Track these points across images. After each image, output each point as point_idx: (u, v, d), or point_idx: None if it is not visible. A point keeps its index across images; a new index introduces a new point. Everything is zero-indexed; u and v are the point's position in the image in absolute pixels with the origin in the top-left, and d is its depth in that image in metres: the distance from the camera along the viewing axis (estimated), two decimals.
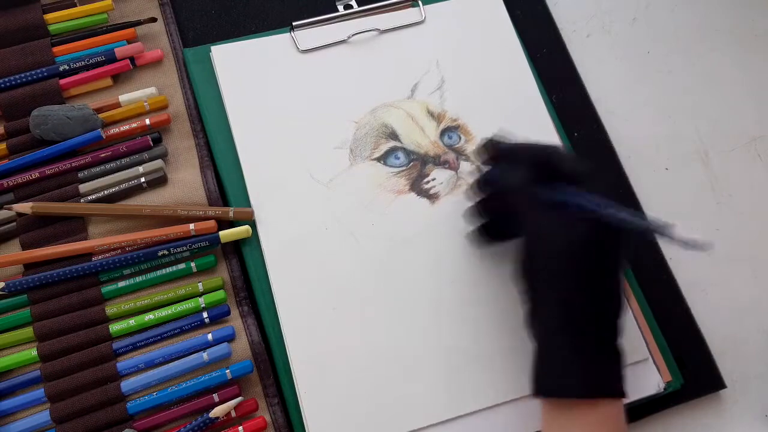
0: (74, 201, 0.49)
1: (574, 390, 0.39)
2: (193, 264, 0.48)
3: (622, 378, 0.40)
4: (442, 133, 0.53)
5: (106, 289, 0.47)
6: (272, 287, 0.48)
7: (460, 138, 0.53)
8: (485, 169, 0.47)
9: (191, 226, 0.48)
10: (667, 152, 0.57)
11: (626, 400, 0.40)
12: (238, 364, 0.46)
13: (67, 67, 0.51)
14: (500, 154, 0.45)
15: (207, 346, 0.46)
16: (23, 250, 0.48)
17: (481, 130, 0.53)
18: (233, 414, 0.45)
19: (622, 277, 0.42)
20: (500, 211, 0.47)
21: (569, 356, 0.39)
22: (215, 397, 0.45)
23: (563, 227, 0.41)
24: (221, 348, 0.46)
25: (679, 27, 0.61)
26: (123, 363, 0.45)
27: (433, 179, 0.51)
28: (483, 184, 0.47)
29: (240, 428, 0.45)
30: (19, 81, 0.51)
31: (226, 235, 0.48)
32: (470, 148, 0.53)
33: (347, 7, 0.57)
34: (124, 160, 0.50)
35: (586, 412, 0.39)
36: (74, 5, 0.54)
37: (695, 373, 0.50)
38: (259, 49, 0.54)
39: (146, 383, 0.45)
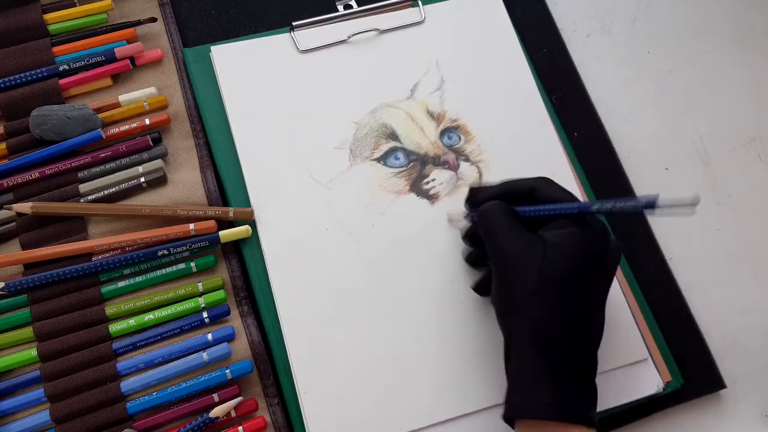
0: (74, 201, 0.49)
1: (544, 411, 0.38)
2: (193, 264, 0.48)
3: (593, 409, 0.40)
4: (442, 133, 0.53)
5: (106, 289, 0.47)
6: (272, 287, 0.48)
7: (459, 138, 0.53)
8: (471, 216, 0.46)
9: (191, 226, 0.48)
10: (667, 152, 0.57)
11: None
12: (238, 364, 0.46)
13: (67, 67, 0.51)
14: (482, 197, 0.45)
15: (207, 346, 0.46)
16: (23, 250, 0.48)
17: (481, 130, 0.53)
18: (233, 414, 0.45)
19: (602, 304, 0.41)
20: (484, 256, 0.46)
21: (542, 379, 0.38)
22: (215, 397, 0.45)
23: (536, 248, 0.40)
24: (221, 348, 0.46)
25: (679, 27, 0.61)
26: (123, 363, 0.45)
27: (433, 180, 0.51)
28: (469, 233, 0.47)
29: (240, 428, 0.45)
30: (19, 81, 0.51)
31: (226, 235, 0.48)
32: (470, 148, 0.53)
33: (347, 7, 0.57)
34: (124, 160, 0.50)
35: None
36: (74, 5, 0.54)
37: (695, 373, 0.50)
38: (259, 49, 0.54)
39: (146, 383, 0.45)
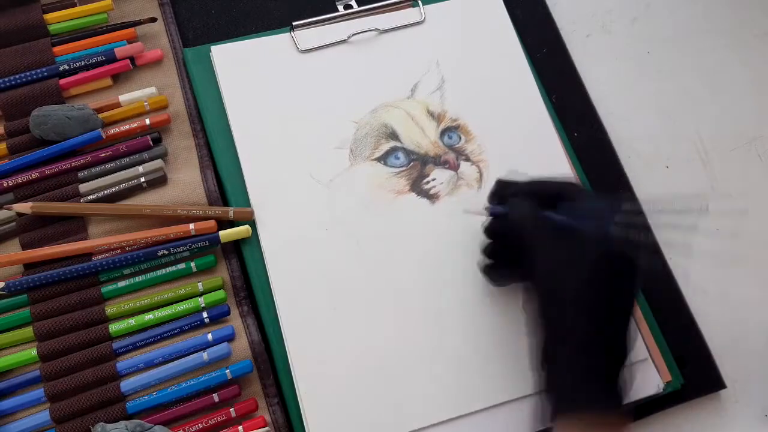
0: (74, 201, 0.49)
1: (596, 404, 0.39)
2: (192, 264, 0.48)
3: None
4: (442, 133, 0.53)
5: (106, 289, 0.47)
6: (272, 287, 0.48)
7: (460, 138, 0.53)
8: (494, 210, 0.45)
9: (191, 225, 0.48)
10: (667, 152, 0.57)
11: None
12: (237, 364, 0.46)
13: (67, 67, 0.51)
14: (509, 193, 0.44)
15: (207, 345, 0.46)
16: (23, 250, 0.48)
17: (481, 130, 0.53)
18: (233, 414, 0.45)
19: (629, 317, 0.42)
20: (510, 251, 0.45)
21: (591, 379, 0.39)
22: (215, 397, 0.45)
23: (579, 253, 0.40)
24: (221, 348, 0.46)
25: (679, 27, 0.61)
26: (123, 363, 0.45)
27: (433, 179, 0.51)
28: (491, 227, 0.45)
29: (240, 428, 0.45)
30: (19, 81, 0.51)
31: (226, 235, 0.48)
32: (470, 148, 0.53)
33: (347, 7, 0.57)
34: (124, 160, 0.50)
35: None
36: (74, 5, 0.54)
37: (695, 373, 0.50)
38: (259, 49, 0.54)
39: (146, 383, 0.45)
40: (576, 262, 0.40)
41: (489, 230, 0.46)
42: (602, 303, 0.40)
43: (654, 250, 0.43)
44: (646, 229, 0.39)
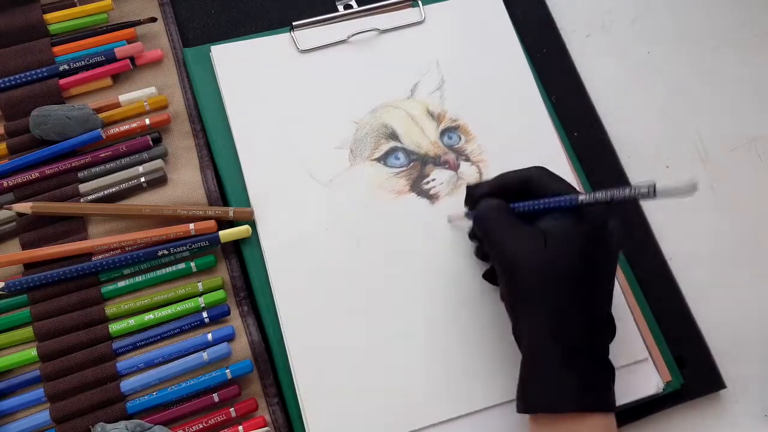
0: (74, 201, 0.49)
1: (561, 405, 0.39)
2: (192, 264, 0.48)
3: (612, 391, 0.40)
4: (442, 133, 0.53)
5: (106, 288, 0.47)
6: (272, 287, 0.48)
7: (460, 138, 0.53)
8: (469, 214, 0.47)
9: (191, 225, 0.48)
10: (667, 152, 0.57)
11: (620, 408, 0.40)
12: (237, 364, 0.46)
13: (67, 67, 0.51)
14: (478, 194, 0.45)
15: (207, 345, 0.46)
16: (23, 250, 0.48)
17: (481, 130, 0.53)
18: (233, 414, 0.45)
19: (609, 287, 0.42)
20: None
21: (558, 370, 0.39)
22: (215, 397, 0.45)
23: (536, 243, 0.40)
24: (221, 348, 0.46)
25: (679, 27, 0.61)
26: (123, 363, 0.45)
27: (433, 179, 0.51)
28: (472, 231, 0.48)
29: (240, 428, 0.45)
30: (19, 81, 0.51)
31: (226, 234, 0.48)
32: (470, 148, 0.53)
33: (347, 7, 0.57)
34: (124, 160, 0.50)
35: (575, 426, 0.39)
36: (74, 5, 0.54)
37: (695, 373, 0.50)
38: (259, 49, 0.54)
39: (146, 383, 0.45)
40: (544, 239, 0.40)
41: (471, 234, 0.48)
42: (576, 271, 0.40)
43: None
44: (613, 199, 0.40)
